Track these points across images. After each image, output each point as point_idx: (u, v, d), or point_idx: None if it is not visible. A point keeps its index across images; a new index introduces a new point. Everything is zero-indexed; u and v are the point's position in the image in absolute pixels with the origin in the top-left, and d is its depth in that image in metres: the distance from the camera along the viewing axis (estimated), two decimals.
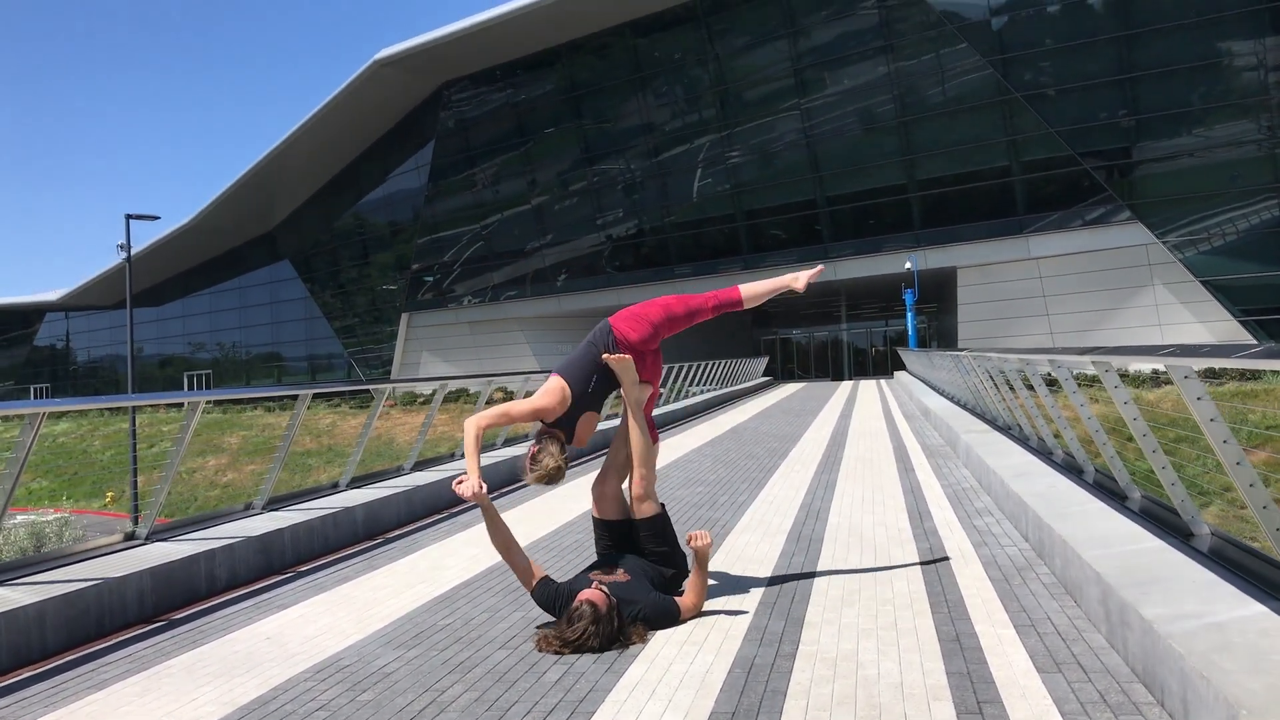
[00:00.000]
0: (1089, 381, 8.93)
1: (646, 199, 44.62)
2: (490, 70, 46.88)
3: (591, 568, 4.93)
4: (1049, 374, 6.94)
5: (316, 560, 6.83)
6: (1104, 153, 33.50)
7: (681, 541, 5.06)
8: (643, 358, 5.17)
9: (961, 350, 13.02)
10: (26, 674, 4.45)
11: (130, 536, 6.18)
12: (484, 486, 4.60)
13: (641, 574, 4.77)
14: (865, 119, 38.10)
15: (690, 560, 4.88)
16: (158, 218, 33.89)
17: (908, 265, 36.29)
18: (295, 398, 7.79)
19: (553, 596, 4.68)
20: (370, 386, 9.94)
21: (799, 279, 5.41)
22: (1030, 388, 8.74)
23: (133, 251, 57.71)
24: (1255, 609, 3.51)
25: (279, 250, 59.52)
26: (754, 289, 5.34)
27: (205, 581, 5.84)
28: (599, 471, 5.24)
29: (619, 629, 4.43)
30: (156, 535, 6.27)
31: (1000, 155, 35.25)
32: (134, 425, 26.80)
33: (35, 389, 79.54)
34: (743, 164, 41.55)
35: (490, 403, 14.20)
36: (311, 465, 41.36)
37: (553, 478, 4.78)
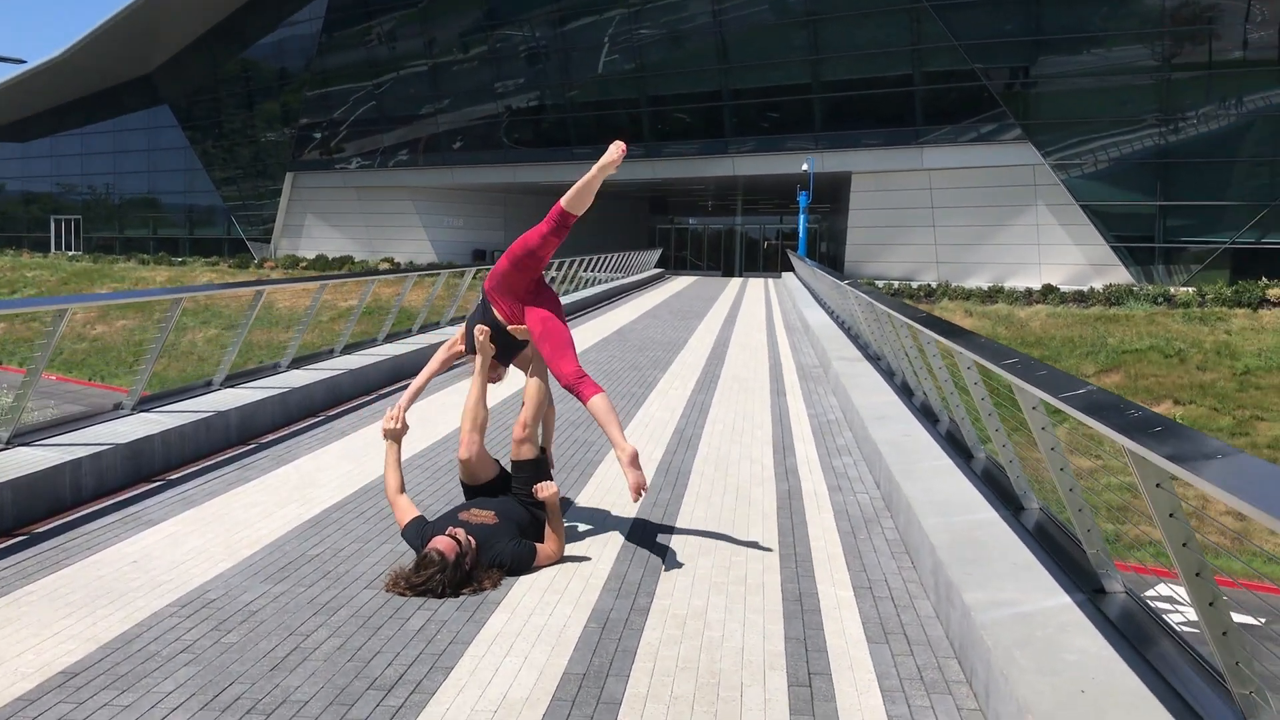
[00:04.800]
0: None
1: (549, 71, 43.62)
2: None
3: (463, 506, 5.08)
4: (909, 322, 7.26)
5: (187, 468, 6.81)
6: (1002, 69, 34.05)
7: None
8: (526, 300, 5.23)
9: (844, 280, 13.39)
10: None
11: None
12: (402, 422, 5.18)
13: (509, 518, 4.94)
14: (775, 11, 37.74)
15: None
16: (23, 61, 31.73)
17: (805, 167, 36.56)
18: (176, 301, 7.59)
19: (417, 537, 4.86)
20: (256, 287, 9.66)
21: (608, 156, 5.11)
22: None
23: None
24: (1061, 600, 3.87)
25: (159, 95, 56.38)
26: (571, 192, 5.18)
27: (71, 492, 5.80)
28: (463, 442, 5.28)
29: (470, 574, 4.61)
30: (18, 439, 6.16)
31: (904, 63, 35.47)
32: None
33: None
34: (650, 44, 40.86)
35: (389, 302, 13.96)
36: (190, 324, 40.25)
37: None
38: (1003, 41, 33.77)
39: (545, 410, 5.41)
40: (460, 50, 45.63)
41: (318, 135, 50.17)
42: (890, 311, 8.25)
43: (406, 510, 4.99)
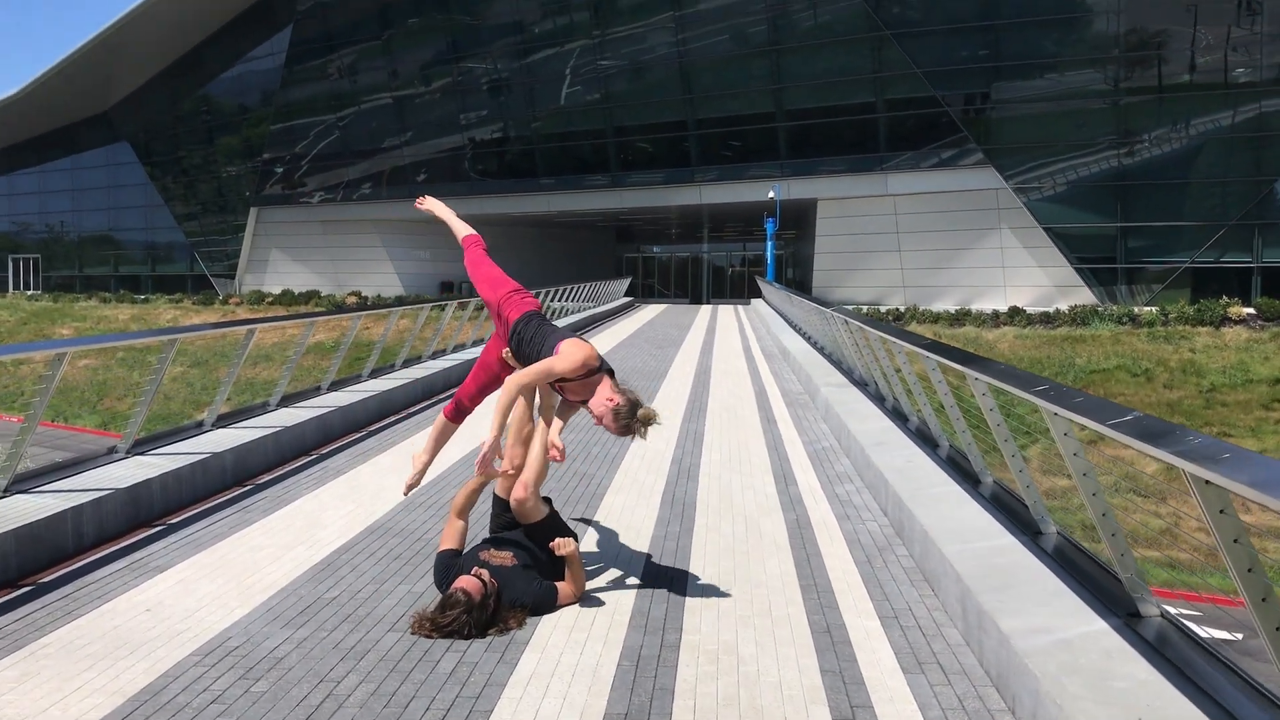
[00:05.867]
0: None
1: (513, 102, 43.69)
2: None
3: (483, 545, 5.02)
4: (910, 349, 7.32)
5: (186, 511, 6.69)
6: (962, 95, 34.60)
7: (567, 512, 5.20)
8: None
9: (829, 307, 13.48)
10: None
11: None
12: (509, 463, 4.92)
13: (529, 558, 4.89)
14: (737, 41, 38.15)
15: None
16: None
17: (771, 195, 36.86)
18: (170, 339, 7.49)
19: (444, 571, 4.80)
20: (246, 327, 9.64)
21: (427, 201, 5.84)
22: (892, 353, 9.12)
23: None
24: (1098, 625, 3.88)
25: (117, 131, 55.80)
26: (455, 226, 5.64)
27: (73, 539, 5.67)
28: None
29: (494, 615, 4.56)
30: (16, 486, 6.02)
31: (866, 90, 35.92)
32: None
33: None
34: (614, 75, 41.08)
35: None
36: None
37: (656, 422, 4.80)
38: (962, 68, 34.34)
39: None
40: (423, 83, 45.66)
41: (280, 169, 49.90)
42: (886, 336, 8.30)
43: (448, 538, 4.95)
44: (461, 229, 5.57)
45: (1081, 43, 33.02)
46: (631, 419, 4.62)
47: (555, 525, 5.09)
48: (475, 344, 16.99)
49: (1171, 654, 3.54)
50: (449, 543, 4.92)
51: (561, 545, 4.82)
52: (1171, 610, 3.87)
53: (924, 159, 35.44)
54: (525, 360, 4.85)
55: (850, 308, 33.67)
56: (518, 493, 4.99)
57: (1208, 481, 2.63)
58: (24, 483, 6.13)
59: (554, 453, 4.89)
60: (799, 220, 43.20)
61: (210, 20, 48.90)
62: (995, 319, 31.89)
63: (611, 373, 4.76)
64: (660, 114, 40.71)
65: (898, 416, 8.91)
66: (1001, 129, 34.24)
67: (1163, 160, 32.51)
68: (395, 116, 46.16)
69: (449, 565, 4.81)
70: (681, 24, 38.66)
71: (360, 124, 47.18)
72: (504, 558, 4.83)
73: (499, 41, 42.93)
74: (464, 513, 5.01)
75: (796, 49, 36.94)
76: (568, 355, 4.61)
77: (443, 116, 45.33)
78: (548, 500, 5.17)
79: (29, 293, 58.81)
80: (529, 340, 4.86)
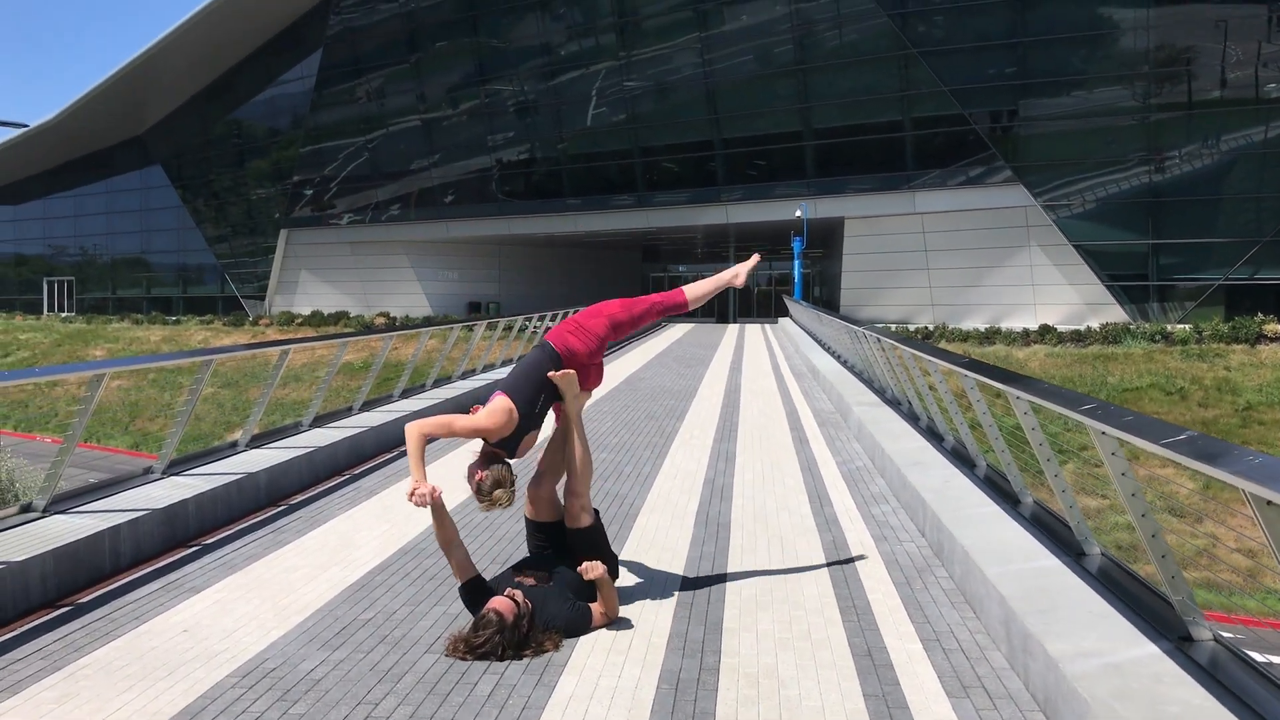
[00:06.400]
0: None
1: (540, 124, 43.89)
2: None
3: (517, 567, 5.00)
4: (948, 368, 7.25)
5: (220, 531, 6.71)
6: (990, 113, 34.44)
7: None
8: (587, 370, 5.20)
9: (859, 326, 13.41)
10: None
11: (27, 508, 5.96)
12: (437, 490, 4.64)
13: (562, 580, 4.86)
14: (763, 61, 38.19)
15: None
16: (25, 125, 31.77)
17: (798, 213, 36.80)
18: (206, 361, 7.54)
19: (472, 597, 4.76)
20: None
21: (739, 275, 5.64)
22: (926, 373, 9.05)
23: None
24: (1148, 649, 3.80)
25: (151, 155, 56.58)
26: (697, 290, 5.51)
27: (110, 560, 5.70)
28: (533, 474, 5.27)
29: (527, 636, 4.52)
30: (54, 507, 6.06)
31: (893, 109, 35.84)
32: None
33: None
34: (640, 96, 41.21)
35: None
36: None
37: (505, 506, 4.83)
38: (989, 85, 34.21)
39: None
40: (451, 105, 45.96)
41: (310, 191, 50.35)
42: (920, 355, 8.23)
43: (462, 567, 4.79)
44: (698, 287, 5.54)
45: (1110, 59, 32.78)
46: (488, 495, 4.74)
47: (599, 538, 5.08)
48: (505, 364, 17.03)
49: (1226, 678, 3.46)
50: (462, 574, 4.79)
51: (590, 569, 4.78)
52: (1226, 635, 3.78)
53: (952, 177, 35.26)
54: None
55: (879, 326, 33.60)
56: (572, 503, 5.06)
57: (1269, 502, 2.56)
58: (62, 503, 6.17)
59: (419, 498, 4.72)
60: (826, 239, 43.09)
61: (242, 45, 49.53)
62: (1025, 337, 31.64)
63: (510, 450, 4.88)
64: (686, 134, 40.79)
65: (933, 436, 8.82)
66: (1030, 146, 34.03)
67: (1194, 176, 32.17)
68: (423, 138, 46.50)
69: (474, 591, 4.75)
70: (707, 44, 38.76)
71: (389, 146, 47.55)
72: (539, 579, 4.81)
73: (526, 64, 43.20)
74: (450, 544, 4.78)
75: (823, 68, 36.93)
76: (474, 415, 4.82)
77: (470, 138, 45.61)
78: (596, 513, 5.15)
79: (63, 314, 59.58)
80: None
